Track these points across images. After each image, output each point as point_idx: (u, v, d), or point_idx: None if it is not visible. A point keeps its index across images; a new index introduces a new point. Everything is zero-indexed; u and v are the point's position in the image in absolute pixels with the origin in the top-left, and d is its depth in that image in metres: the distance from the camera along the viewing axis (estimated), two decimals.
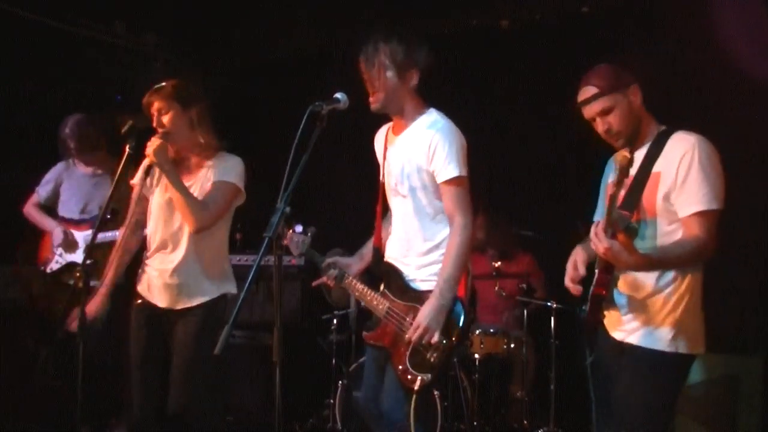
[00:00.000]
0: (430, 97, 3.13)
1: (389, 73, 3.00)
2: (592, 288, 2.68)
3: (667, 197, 2.62)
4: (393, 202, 3.17)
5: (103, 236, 4.21)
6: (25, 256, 4.80)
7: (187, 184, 3.30)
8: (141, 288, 3.43)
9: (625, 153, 2.65)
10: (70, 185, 4.59)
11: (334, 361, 5.05)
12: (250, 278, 2.36)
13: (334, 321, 5.15)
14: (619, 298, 2.72)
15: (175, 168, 3.28)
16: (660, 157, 2.65)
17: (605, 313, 2.73)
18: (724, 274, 3.50)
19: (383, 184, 3.23)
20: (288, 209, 2.46)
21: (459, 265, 2.95)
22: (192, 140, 3.36)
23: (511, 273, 5.33)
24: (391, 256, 3.17)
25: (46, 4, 5.26)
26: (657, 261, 2.61)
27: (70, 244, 4.42)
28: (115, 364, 4.08)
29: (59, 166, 4.65)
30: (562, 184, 5.49)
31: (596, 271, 2.68)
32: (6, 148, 5.19)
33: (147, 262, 3.43)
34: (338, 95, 2.74)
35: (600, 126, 2.73)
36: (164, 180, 3.27)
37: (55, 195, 4.61)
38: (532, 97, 5.62)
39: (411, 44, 3.02)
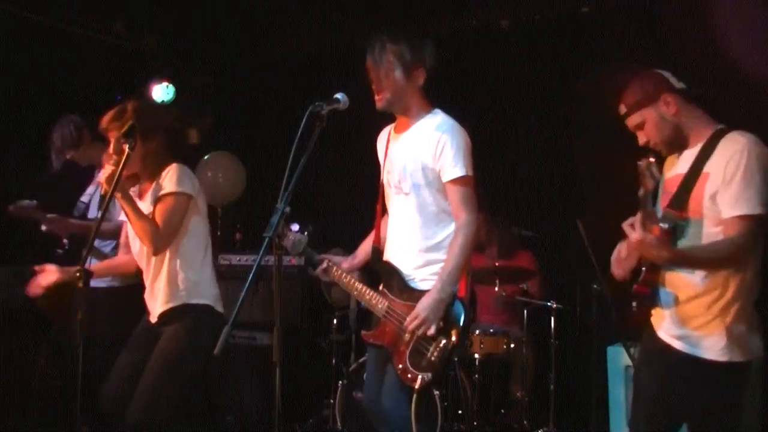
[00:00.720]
0: (430, 96, 3.14)
1: (397, 73, 3.01)
2: (635, 285, 2.72)
3: (713, 198, 2.60)
4: (394, 200, 3.17)
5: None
6: (28, 257, 4.81)
7: (141, 204, 3.33)
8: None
9: (650, 158, 2.66)
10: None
11: (334, 361, 5.05)
12: (250, 278, 2.36)
13: (334, 321, 5.15)
14: (666, 299, 2.71)
15: (132, 188, 3.34)
16: (711, 157, 2.64)
17: (652, 312, 2.75)
18: None
19: (383, 184, 3.24)
20: (288, 209, 2.46)
21: (462, 261, 2.96)
22: (146, 163, 3.37)
23: (511, 273, 5.32)
24: (390, 255, 3.17)
25: (46, 3, 5.26)
26: (687, 258, 2.61)
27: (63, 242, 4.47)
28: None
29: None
30: (562, 184, 5.49)
31: (643, 269, 2.70)
32: (6, 148, 5.19)
33: None
34: (338, 95, 2.75)
35: (640, 139, 2.80)
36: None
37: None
38: (532, 96, 5.62)
39: (418, 44, 3.04)
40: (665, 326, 2.72)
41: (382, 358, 3.12)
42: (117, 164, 3.17)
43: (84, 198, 4.49)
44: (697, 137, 2.71)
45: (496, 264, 5.24)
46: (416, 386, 2.93)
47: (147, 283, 3.44)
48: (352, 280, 3.20)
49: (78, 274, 2.98)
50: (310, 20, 5.84)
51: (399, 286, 3.09)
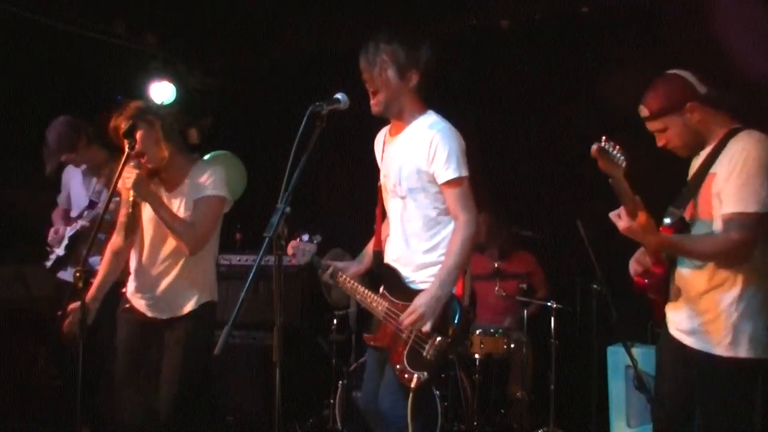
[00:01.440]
0: (429, 97, 3.13)
1: (390, 73, 3.01)
2: (635, 278, 2.79)
3: (718, 196, 2.63)
4: (391, 203, 3.18)
5: (74, 227, 4.33)
6: (28, 256, 4.82)
7: (170, 200, 3.34)
8: (128, 293, 3.49)
9: (601, 143, 2.56)
10: (75, 186, 4.65)
11: (334, 361, 5.05)
12: (250, 278, 2.37)
13: (334, 321, 5.15)
14: (675, 297, 2.76)
15: (157, 187, 3.34)
16: (719, 157, 2.66)
17: (666, 311, 2.80)
18: None
19: (382, 186, 3.24)
20: (288, 209, 2.46)
21: (461, 259, 2.96)
22: (165, 156, 3.37)
23: (511, 273, 5.32)
24: (390, 257, 3.18)
25: (46, 4, 5.26)
26: (676, 245, 2.64)
27: (59, 241, 4.47)
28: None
29: (66, 171, 4.71)
30: (562, 184, 5.49)
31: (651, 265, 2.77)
32: (6, 147, 5.19)
33: (132, 269, 3.49)
34: (338, 95, 2.75)
35: (658, 140, 2.81)
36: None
37: (68, 198, 4.67)
38: (532, 96, 5.63)
39: (412, 45, 3.03)
40: (676, 323, 2.77)
41: (381, 359, 3.13)
42: (137, 163, 3.20)
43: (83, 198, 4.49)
44: (712, 138, 2.73)
45: (496, 264, 5.24)
46: (413, 385, 2.94)
47: (159, 278, 3.40)
48: (355, 284, 3.22)
49: (78, 275, 2.99)
50: (310, 20, 5.83)
51: (399, 289, 3.10)
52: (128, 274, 3.54)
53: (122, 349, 3.43)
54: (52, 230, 4.51)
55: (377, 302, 3.13)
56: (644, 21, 5.09)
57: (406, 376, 2.97)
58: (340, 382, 4.87)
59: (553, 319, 4.98)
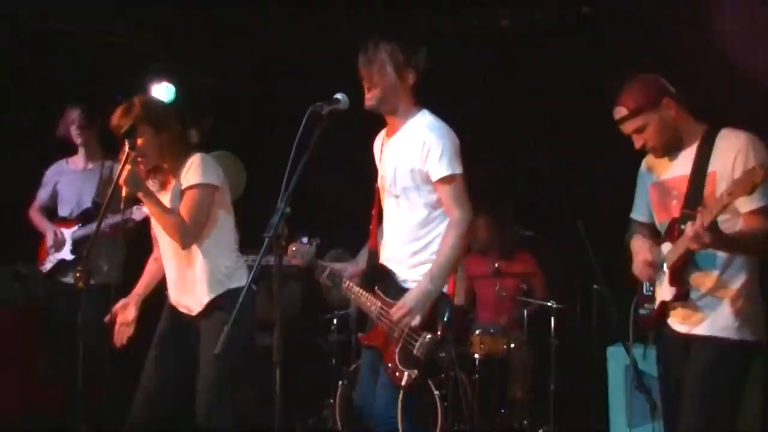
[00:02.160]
0: (429, 96, 3.14)
1: (389, 72, 3.02)
2: (671, 288, 2.77)
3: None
4: (386, 203, 3.20)
5: (85, 230, 4.34)
6: (26, 256, 4.82)
7: (163, 199, 3.33)
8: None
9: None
10: (65, 184, 4.63)
11: (334, 361, 5.05)
12: (250, 278, 2.38)
13: (334, 321, 5.15)
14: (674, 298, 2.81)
15: (153, 186, 3.32)
16: (713, 155, 2.72)
17: (670, 312, 2.83)
18: None
19: (379, 187, 3.25)
20: (288, 209, 2.46)
21: (453, 256, 2.98)
22: (163, 155, 3.36)
23: (511, 273, 5.32)
24: (385, 257, 3.20)
25: (46, 4, 5.26)
26: (735, 240, 2.68)
27: (59, 243, 4.45)
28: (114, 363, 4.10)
29: (53, 168, 4.71)
30: (562, 184, 5.48)
31: (666, 270, 2.78)
32: (6, 148, 5.19)
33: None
34: (338, 95, 2.76)
35: (636, 142, 2.83)
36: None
37: (53, 196, 4.65)
38: (532, 96, 5.62)
39: (411, 45, 3.06)
40: (684, 319, 2.80)
41: (375, 360, 3.15)
42: (134, 163, 3.19)
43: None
44: (689, 138, 2.80)
45: (496, 264, 5.24)
46: (403, 383, 2.95)
47: (175, 275, 3.40)
48: (351, 284, 3.23)
49: (78, 275, 2.99)
50: (310, 20, 5.83)
51: (393, 288, 3.11)
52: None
53: (154, 343, 3.42)
54: (50, 232, 4.49)
55: (371, 302, 3.15)
56: (644, 22, 5.09)
57: (397, 374, 2.98)
58: (340, 382, 4.86)
59: (553, 319, 4.98)
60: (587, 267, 3.98)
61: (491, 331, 5.13)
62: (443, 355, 2.96)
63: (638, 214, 3.07)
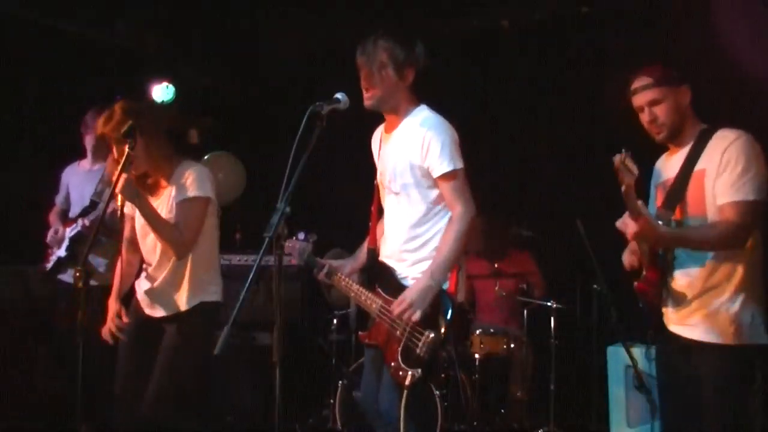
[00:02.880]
0: (430, 96, 3.14)
1: (389, 70, 3.01)
2: (636, 283, 2.83)
3: (712, 191, 2.68)
4: (386, 200, 3.18)
5: (74, 228, 4.34)
6: (26, 256, 4.82)
7: (154, 204, 3.35)
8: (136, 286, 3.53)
9: (623, 153, 2.65)
10: (74, 185, 4.65)
11: (334, 361, 5.05)
12: (250, 278, 2.37)
13: (334, 321, 5.15)
14: (676, 294, 2.79)
15: (144, 191, 3.34)
16: (703, 155, 2.73)
17: (663, 309, 2.82)
18: None
19: (378, 184, 3.25)
20: (288, 209, 2.46)
21: (455, 250, 2.96)
22: (154, 160, 3.37)
23: (510, 273, 5.32)
24: (385, 254, 3.18)
25: (47, 4, 5.26)
26: (684, 237, 2.70)
27: (59, 242, 4.47)
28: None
29: (66, 170, 4.73)
30: (562, 184, 5.49)
31: (644, 271, 2.81)
32: (6, 148, 5.19)
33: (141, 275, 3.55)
34: (338, 95, 2.75)
35: (646, 116, 2.82)
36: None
37: (67, 199, 4.67)
38: (531, 97, 5.63)
39: (410, 44, 3.05)
40: (679, 321, 2.79)
41: (378, 358, 3.13)
42: (126, 169, 3.18)
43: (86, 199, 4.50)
44: (687, 135, 2.82)
45: (496, 264, 5.24)
46: (407, 383, 2.93)
47: (153, 277, 3.44)
48: (350, 283, 3.21)
49: (77, 275, 2.99)
50: (310, 20, 5.83)
51: (393, 286, 3.09)
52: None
53: (122, 344, 3.45)
54: (51, 231, 4.51)
55: (371, 300, 3.12)
56: (644, 21, 5.10)
57: (400, 373, 2.96)
58: (340, 382, 4.86)
59: (552, 319, 4.97)
60: (587, 267, 3.98)
61: (491, 331, 5.12)
62: (445, 354, 2.95)
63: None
